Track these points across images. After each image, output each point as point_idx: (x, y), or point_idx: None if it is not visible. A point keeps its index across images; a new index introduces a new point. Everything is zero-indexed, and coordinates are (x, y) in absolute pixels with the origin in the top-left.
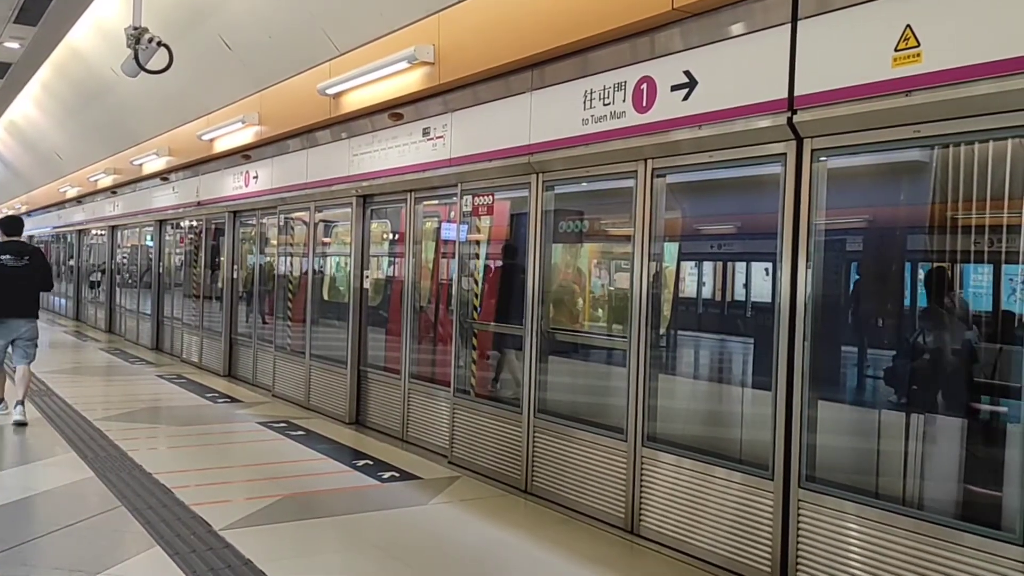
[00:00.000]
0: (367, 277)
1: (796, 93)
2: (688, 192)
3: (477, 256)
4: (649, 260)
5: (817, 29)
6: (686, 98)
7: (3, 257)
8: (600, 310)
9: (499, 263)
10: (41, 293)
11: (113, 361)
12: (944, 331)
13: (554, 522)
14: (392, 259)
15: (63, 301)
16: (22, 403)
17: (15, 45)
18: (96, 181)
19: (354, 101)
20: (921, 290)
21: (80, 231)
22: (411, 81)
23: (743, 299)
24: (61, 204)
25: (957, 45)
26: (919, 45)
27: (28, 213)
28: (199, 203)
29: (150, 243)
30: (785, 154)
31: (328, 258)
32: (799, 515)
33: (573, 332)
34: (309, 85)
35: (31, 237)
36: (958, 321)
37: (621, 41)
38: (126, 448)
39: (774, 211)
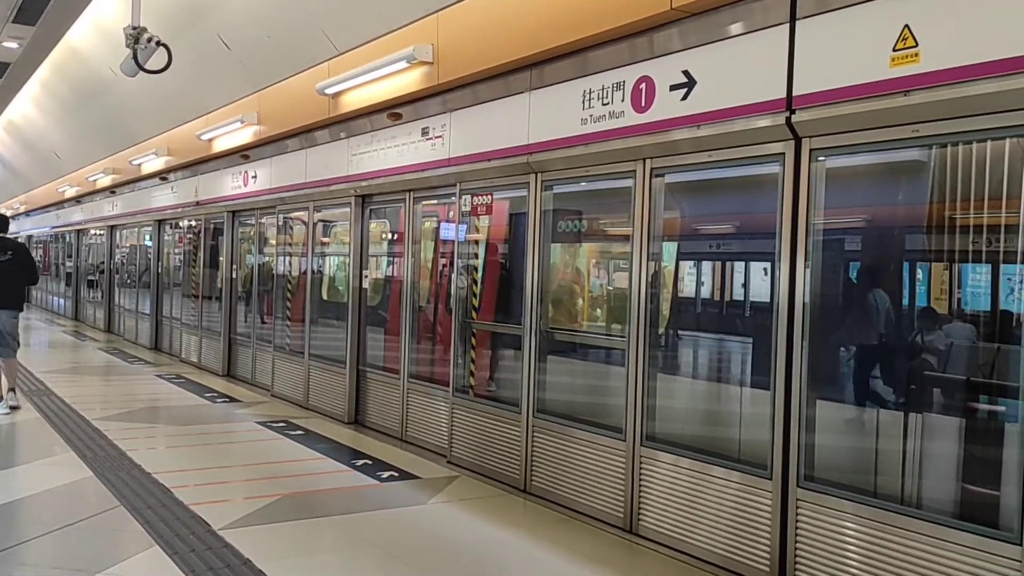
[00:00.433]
0: (366, 277)
1: (795, 93)
2: (687, 192)
3: (476, 256)
4: (648, 260)
5: (816, 29)
6: (685, 98)
7: None
8: (599, 310)
9: (498, 263)
10: (30, 288)
11: (112, 361)
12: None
13: (553, 521)
14: (391, 259)
15: (62, 301)
16: (13, 390)
17: (14, 44)
18: (95, 181)
19: (353, 101)
20: (920, 289)
21: (79, 231)
22: (410, 81)
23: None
24: (60, 204)
25: (955, 45)
26: (917, 45)
27: (27, 213)
28: (198, 203)
29: (149, 243)
30: (784, 154)
31: (327, 258)
32: (797, 514)
33: (572, 332)
34: (308, 85)
35: (30, 237)
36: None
37: (620, 41)
38: (125, 448)
39: (773, 211)
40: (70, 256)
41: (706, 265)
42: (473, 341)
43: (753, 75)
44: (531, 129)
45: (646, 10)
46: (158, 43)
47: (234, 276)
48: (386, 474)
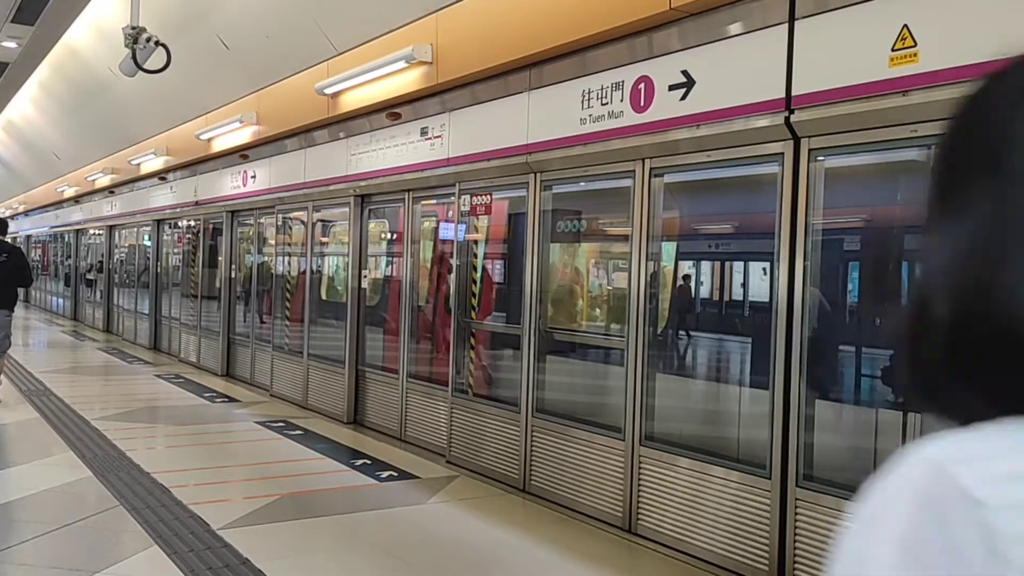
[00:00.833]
0: (365, 277)
1: (793, 93)
2: (686, 192)
3: (475, 256)
4: (647, 260)
5: (814, 29)
6: (684, 98)
7: None
8: (598, 310)
9: (497, 263)
10: (28, 289)
11: (111, 361)
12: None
13: (552, 521)
14: (390, 259)
15: (61, 301)
16: None
17: (12, 44)
18: (94, 181)
19: (352, 101)
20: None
21: (78, 231)
22: (409, 81)
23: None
24: (59, 204)
25: (954, 45)
26: (916, 45)
27: (26, 213)
28: (197, 203)
29: (148, 243)
30: (783, 153)
31: (326, 258)
32: (796, 514)
33: (571, 332)
34: (307, 85)
35: (29, 238)
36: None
37: (619, 41)
38: (124, 448)
39: (772, 210)
40: (69, 256)
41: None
42: (472, 341)
43: (752, 75)
44: (530, 129)
45: (645, 10)
46: (157, 43)
47: (233, 276)
48: (385, 474)
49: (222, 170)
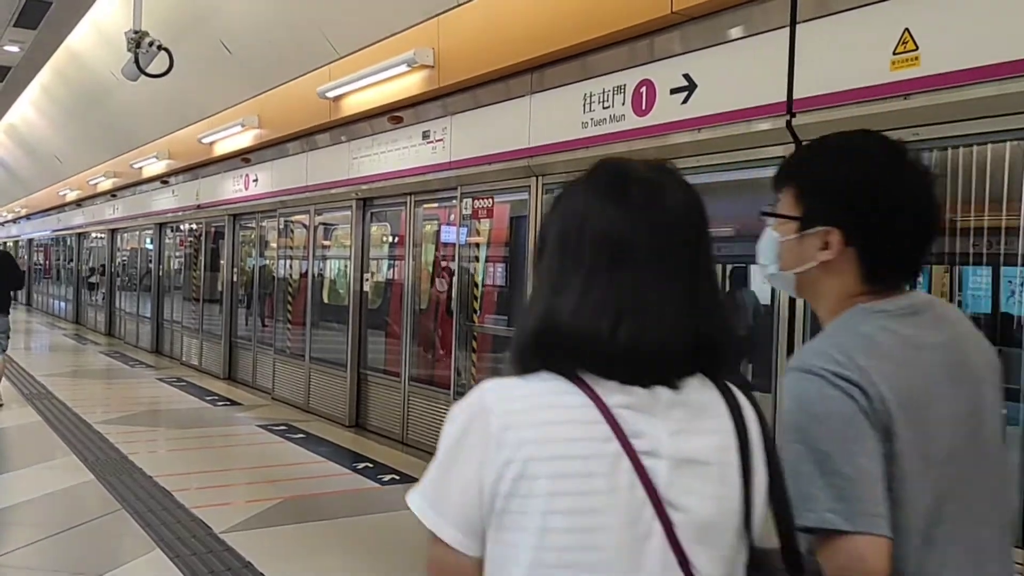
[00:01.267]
0: (367, 280)
1: (795, 96)
2: None
3: (477, 259)
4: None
5: (816, 32)
6: (685, 101)
7: None
8: None
9: (499, 266)
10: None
11: (113, 364)
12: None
13: None
14: (392, 262)
15: (63, 304)
16: None
17: (15, 49)
18: (96, 184)
19: (354, 104)
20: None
21: (80, 234)
22: (410, 84)
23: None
24: (61, 207)
25: (955, 48)
26: (917, 49)
27: (28, 216)
28: (199, 206)
29: (150, 246)
30: (784, 157)
31: (328, 261)
32: None
33: None
34: (309, 88)
35: (31, 241)
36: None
37: (620, 44)
38: (126, 451)
39: None
40: (71, 260)
41: None
42: (474, 344)
43: (754, 78)
44: (532, 132)
45: (647, 13)
46: (159, 47)
47: (235, 279)
48: (387, 477)
49: (224, 173)
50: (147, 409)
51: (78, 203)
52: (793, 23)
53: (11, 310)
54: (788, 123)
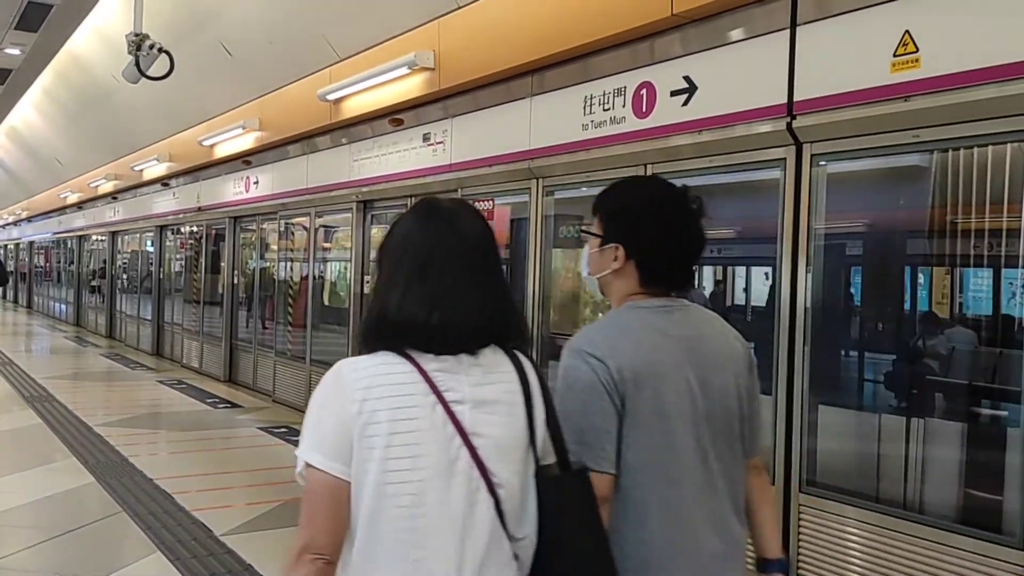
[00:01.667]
0: (367, 282)
1: (795, 98)
2: None
3: None
4: None
5: (816, 34)
6: (686, 103)
7: None
8: (601, 315)
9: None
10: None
11: (113, 366)
12: None
13: None
14: None
15: (63, 307)
16: None
17: (16, 51)
18: (97, 187)
19: (354, 107)
20: (922, 294)
21: (81, 237)
22: (411, 87)
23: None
24: (62, 210)
25: (956, 50)
26: (918, 50)
27: (29, 219)
28: (199, 208)
29: (151, 248)
30: (785, 159)
31: (328, 263)
32: (800, 519)
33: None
34: (309, 91)
35: (32, 243)
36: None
37: (621, 47)
38: (127, 453)
39: (774, 215)
40: (71, 262)
41: (707, 270)
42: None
43: (754, 80)
44: (532, 135)
45: (647, 16)
46: (160, 50)
47: (235, 281)
48: None
49: (225, 176)
50: (148, 411)
51: (79, 205)
52: (793, 25)
53: None
54: (789, 125)
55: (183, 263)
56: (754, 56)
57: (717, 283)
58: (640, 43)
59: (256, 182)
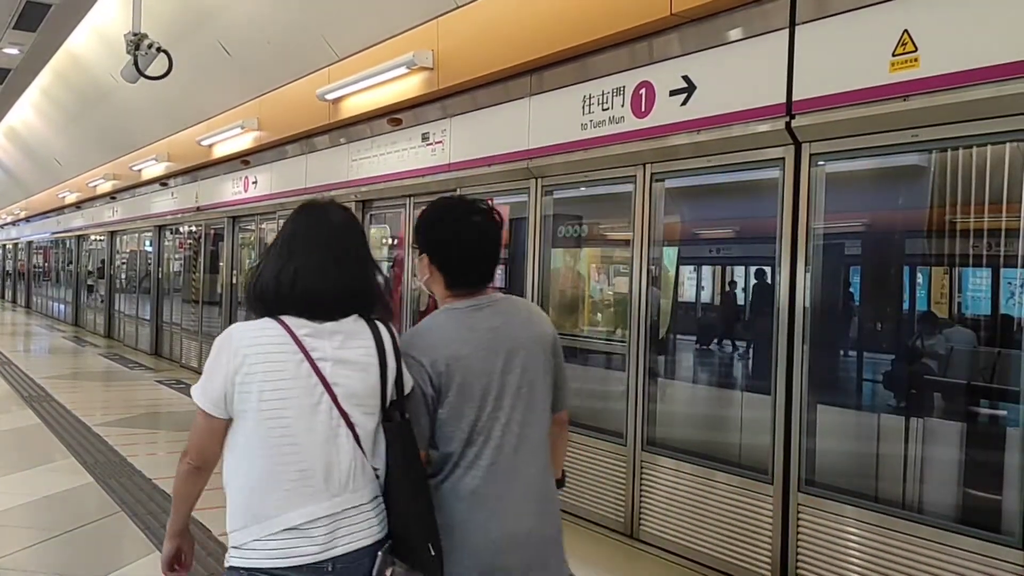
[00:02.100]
0: None
1: (794, 98)
2: (687, 196)
3: None
4: (648, 264)
5: (815, 34)
6: (685, 103)
7: None
8: (599, 315)
9: (498, 268)
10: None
11: (112, 366)
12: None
13: None
14: (391, 264)
15: (62, 307)
16: None
17: (14, 51)
18: (95, 187)
19: (353, 106)
20: (920, 293)
21: (79, 236)
22: (410, 86)
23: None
24: (60, 210)
25: (955, 50)
26: (916, 50)
27: (27, 219)
28: (198, 208)
29: (149, 248)
30: (784, 158)
31: None
32: (799, 519)
33: (572, 336)
34: (308, 90)
35: (31, 243)
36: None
37: (620, 46)
38: (125, 454)
39: (773, 215)
40: (70, 262)
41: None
42: None
43: (753, 80)
44: (531, 134)
45: (646, 15)
46: (159, 49)
47: (234, 281)
48: None
49: (223, 176)
50: (146, 411)
51: (77, 205)
52: (792, 25)
53: None
54: (787, 125)
55: (182, 263)
56: (753, 56)
57: (730, 283)
58: (639, 43)
59: (255, 182)
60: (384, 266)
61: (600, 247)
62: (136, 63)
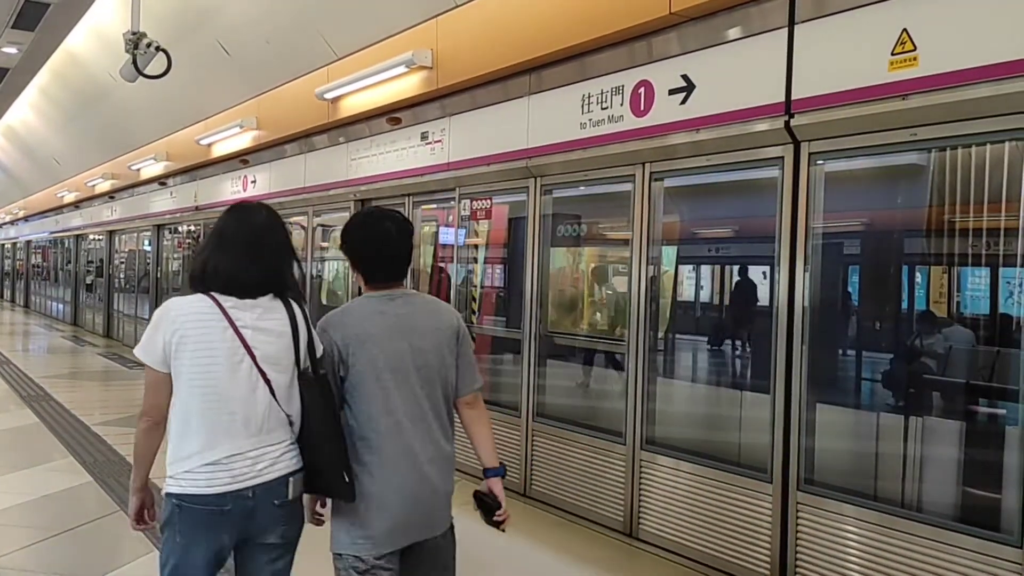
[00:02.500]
0: None
1: (793, 97)
2: (686, 196)
3: (475, 260)
4: (647, 264)
5: (814, 33)
6: (684, 102)
7: None
8: (598, 314)
9: (497, 267)
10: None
11: (111, 366)
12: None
13: (552, 525)
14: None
15: (61, 306)
16: None
17: (13, 50)
18: (94, 186)
19: (352, 105)
20: (920, 293)
21: (78, 236)
22: (409, 85)
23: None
24: (59, 209)
25: (953, 49)
26: (915, 49)
27: (26, 218)
28: (197, 207)
29: (148, 248)
30: (783, 157)
31: (326, 262)
32: (798, 518)
33: (572, 336)
34: (307, 89)
35: (29, 243)
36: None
37: (619, 45)
38: (124, 452)
39: (772, 214)
40: (69, 262)
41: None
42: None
43: (752, 79)
44: (530, 133)
45: (645, 14)
46: (157, 48)
47: None
48: None
49: (222, 175)
50: None
51: (76, 205)
52: (791, 24)
53: None
54: (787, 124)
55: (180, 262)
56: (752, 55)
57: (739, 283)
58: (638, 42)
59: (254, 181)
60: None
61: (599, 246)
62: (135, 62)
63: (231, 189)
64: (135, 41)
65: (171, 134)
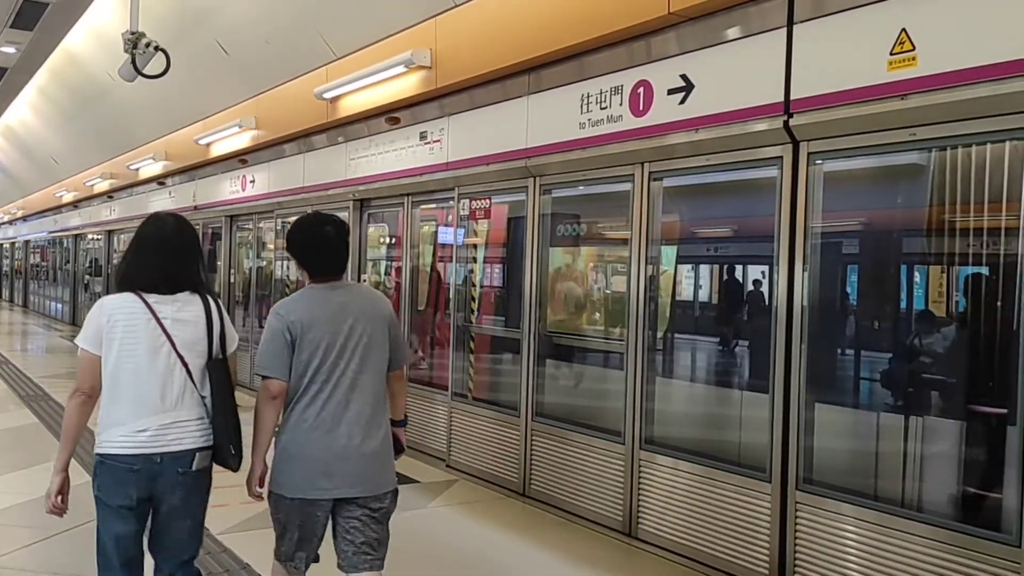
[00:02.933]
0: (364, 281)
1: (792, 97)
2: (685, 195)
3: (474, 260)
4: (646, 263)
5: (813, 33)
6: (683, 102)
7: None
8: (598, 313)
9: (496, 267)
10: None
11: None
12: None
13: (552, 525)
14: (389, 263)
15: (59, 305)
16: None
17: (11, 50)
18: (92, 186)
19: (351, 105)
20: (918, 292)
21: (76, 236)
22: (408, 85)
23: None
24: (57, 209)
25: (952, 49)
26: (914, 49)
27: (24, 218)
28: (196, 207)
29: None
30: (781, 157)
31: None
32: (797, 517)
33: (571, 336)
34: (306, 89)
35: (28, 242)
36: None
37: (618, 45)
38: None
39: (771, 214)
40: (67, 261)
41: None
42: (472, 345)
43: (751, 79)
44: (529, 133)
45: (644, 14)
46: (156, 48)
47: (232, 280)
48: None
49: (221, 175)
50: None
51: (75, 204)
52: (790, 23)
53: None
54: (785, 123)
55: None
56: (751, 55)
57: (755, 282)
58: (637, 42)
59: (252, 181)
60: (382, 265)
61: (598, 246)
62: (134, 62)
63: (230, 189)
64: (134, 41)
65: (170, 134)
